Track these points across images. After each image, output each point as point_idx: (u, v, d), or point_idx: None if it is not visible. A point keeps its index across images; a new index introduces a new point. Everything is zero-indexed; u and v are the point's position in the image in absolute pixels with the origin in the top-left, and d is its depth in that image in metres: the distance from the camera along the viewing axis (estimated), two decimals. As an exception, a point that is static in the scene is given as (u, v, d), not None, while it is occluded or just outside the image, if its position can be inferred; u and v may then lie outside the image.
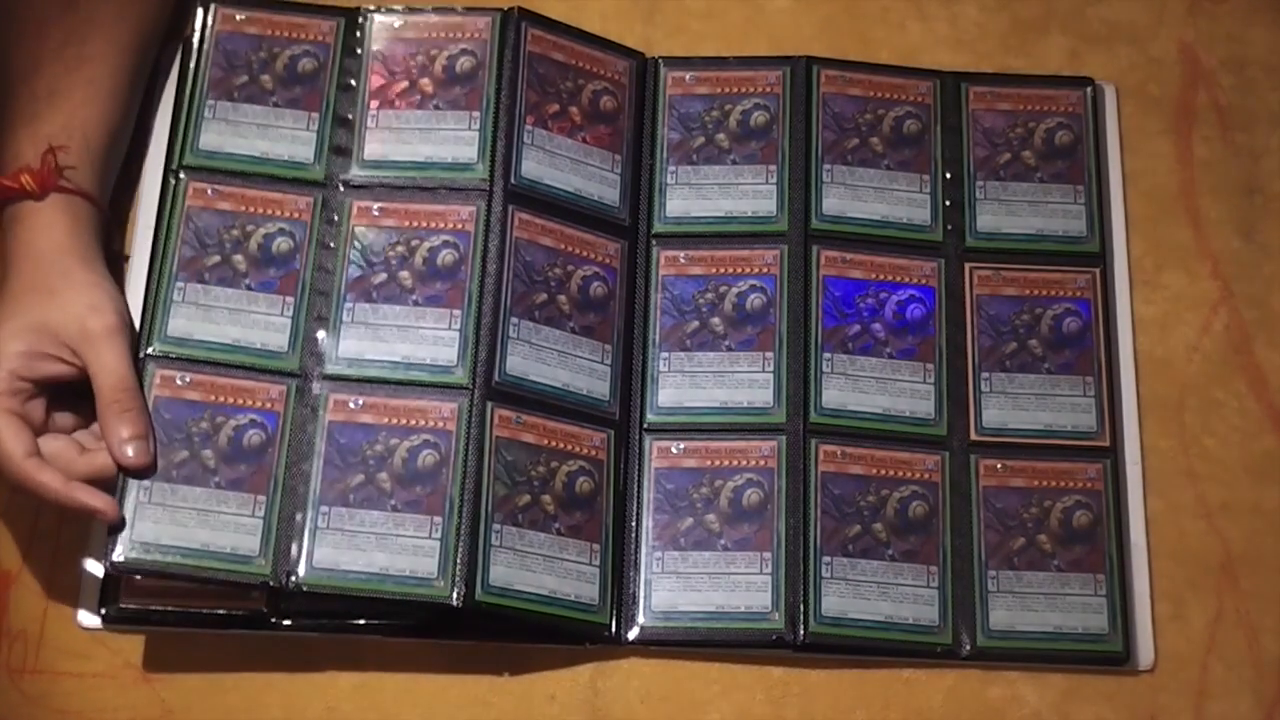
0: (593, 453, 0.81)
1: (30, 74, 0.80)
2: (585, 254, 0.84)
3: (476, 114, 0.84)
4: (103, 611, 0.78)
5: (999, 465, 0.83)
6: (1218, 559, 0.83)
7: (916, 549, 0.81)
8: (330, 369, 0.80)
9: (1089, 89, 0.90)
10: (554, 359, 0.81)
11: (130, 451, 0.76)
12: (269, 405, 0.79)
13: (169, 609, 0.78)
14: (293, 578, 0.76)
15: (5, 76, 0.80)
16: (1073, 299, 0.86)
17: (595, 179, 0.85)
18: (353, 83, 0.86)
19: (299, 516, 0.77)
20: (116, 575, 0.77)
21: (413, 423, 0.79)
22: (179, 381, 0.79)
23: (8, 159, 0.79)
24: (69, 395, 0.77)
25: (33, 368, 0.75)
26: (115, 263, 0.83)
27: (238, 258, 0.82)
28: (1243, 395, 0.86)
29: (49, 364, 0.76)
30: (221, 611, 0.78)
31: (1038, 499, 0.82)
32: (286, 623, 0.78)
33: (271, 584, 0.76)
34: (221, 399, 0.79)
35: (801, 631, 0.79)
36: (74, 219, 0.79)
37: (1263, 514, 0.84)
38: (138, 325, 0.80)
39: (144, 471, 0.76)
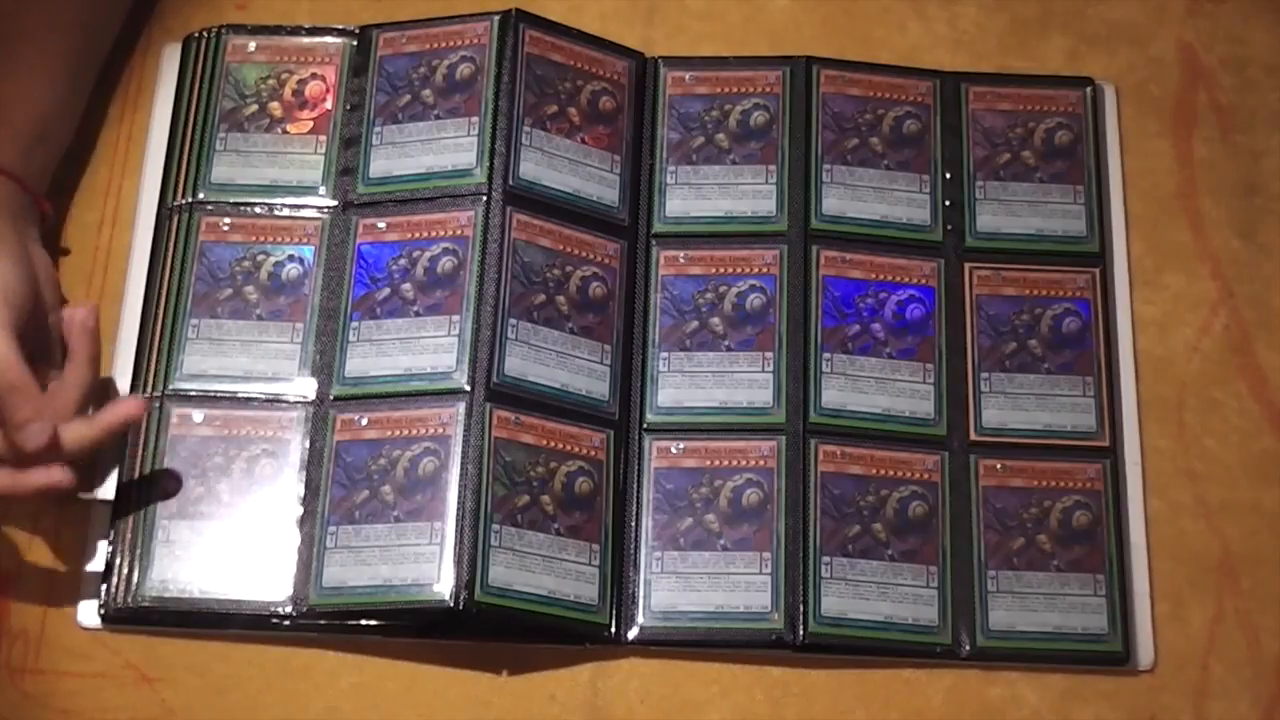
0: (592, 453, 0.81)
1: None
2: (584, 254, 0.84)
3: (475, 119, 0.84)
4: (103, 611, 0.78)
5: (999, 465, 0.83)
6: (1217, 559, 0.83)
7: (916, 549, 0.81)
8: (337, 390, 0.81)
9: (1089, 89, 0.90)
10: (553, 359, 0.81)
11: (31, 434, 0.72)
12: (282, 434, 0.80)
13: (169, 609, 0.79)
14: (303, 604, 0.77)
15: None
16: (1073, 299, 0.85)
17: (594, 179, 0.85)
18: (360, 103, 0.86)
19: (311, 539, 0.78)
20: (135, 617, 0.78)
21: (413, 432, 0.79)
22: (195, 419, 0.80)
23: None
24: None
25: None
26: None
27: (249, 289, 0.82)
28: (1243, 395, 0.86)
29: None
30: (222, 611, 0.79)
31: (1037, 499, 0.82)
32: (287, 623, 0.78)
33: (286, 611, 0.77)
34: (235, 431, 0.80)
35: (801, 632, 0.79)
36: None
37: (1262, 514, 0.84)
38: (143, 363, 0.81)
39: (44, 454, 0.73)
